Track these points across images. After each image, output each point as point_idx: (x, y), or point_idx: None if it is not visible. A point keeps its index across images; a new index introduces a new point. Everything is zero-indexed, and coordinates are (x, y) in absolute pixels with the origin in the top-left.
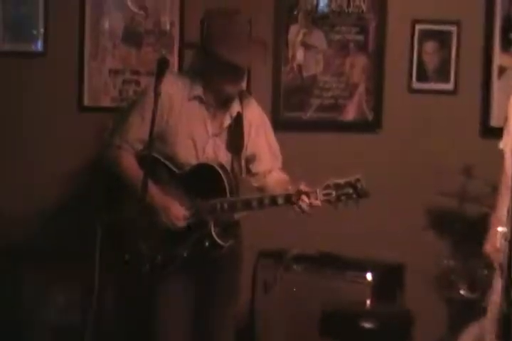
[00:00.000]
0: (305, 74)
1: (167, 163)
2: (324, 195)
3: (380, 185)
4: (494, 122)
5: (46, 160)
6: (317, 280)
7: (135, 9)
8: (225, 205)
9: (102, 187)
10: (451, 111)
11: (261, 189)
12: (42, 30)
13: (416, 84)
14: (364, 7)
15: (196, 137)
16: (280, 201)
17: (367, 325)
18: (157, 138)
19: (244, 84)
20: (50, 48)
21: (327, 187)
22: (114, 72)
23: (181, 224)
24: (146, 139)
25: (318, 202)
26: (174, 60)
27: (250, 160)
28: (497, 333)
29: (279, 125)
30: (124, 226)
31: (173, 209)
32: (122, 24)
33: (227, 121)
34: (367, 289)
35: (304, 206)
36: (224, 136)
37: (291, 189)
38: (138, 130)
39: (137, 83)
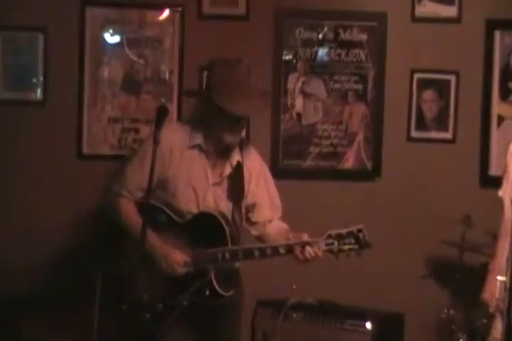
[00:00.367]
0: (304, 122)
1: (168, 211)
2: (326, 244)
3: (379, 233)
4: (493, 171)
5: (45, 208)
6: (316, 329)
7: (134, 58)
8: (227, 255)
9: (101, 235)
10: (449, 160)
11: (260, 238)
12: (41, 79)
13: (415, 133)
14: (363, 56)
15: (197, 186)
16: (282, 251)
17: None
18: (158, 186)
19: (243, 132)
20: (49, 97)
21: (329, 237)
22: (113, 120)
23: (181, 270)
24: (146, 187)
25: (319, 253)
26: (173, 108)
27: (250, 209)
28: None
29: (278, 173)
30: (125, 274)
31: (173, 255)
32: (121, 72)
33: (228, 170)
34: (367, 338)
35: (308, 256)
36: (224, 184)
37: (291, 238)
38: (138, 178)
39: (136, 131)
